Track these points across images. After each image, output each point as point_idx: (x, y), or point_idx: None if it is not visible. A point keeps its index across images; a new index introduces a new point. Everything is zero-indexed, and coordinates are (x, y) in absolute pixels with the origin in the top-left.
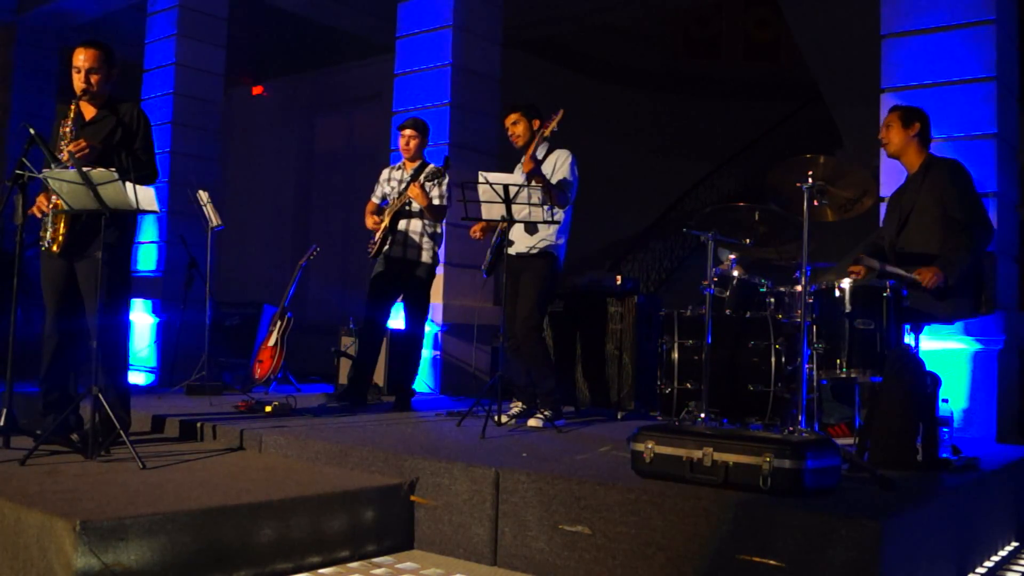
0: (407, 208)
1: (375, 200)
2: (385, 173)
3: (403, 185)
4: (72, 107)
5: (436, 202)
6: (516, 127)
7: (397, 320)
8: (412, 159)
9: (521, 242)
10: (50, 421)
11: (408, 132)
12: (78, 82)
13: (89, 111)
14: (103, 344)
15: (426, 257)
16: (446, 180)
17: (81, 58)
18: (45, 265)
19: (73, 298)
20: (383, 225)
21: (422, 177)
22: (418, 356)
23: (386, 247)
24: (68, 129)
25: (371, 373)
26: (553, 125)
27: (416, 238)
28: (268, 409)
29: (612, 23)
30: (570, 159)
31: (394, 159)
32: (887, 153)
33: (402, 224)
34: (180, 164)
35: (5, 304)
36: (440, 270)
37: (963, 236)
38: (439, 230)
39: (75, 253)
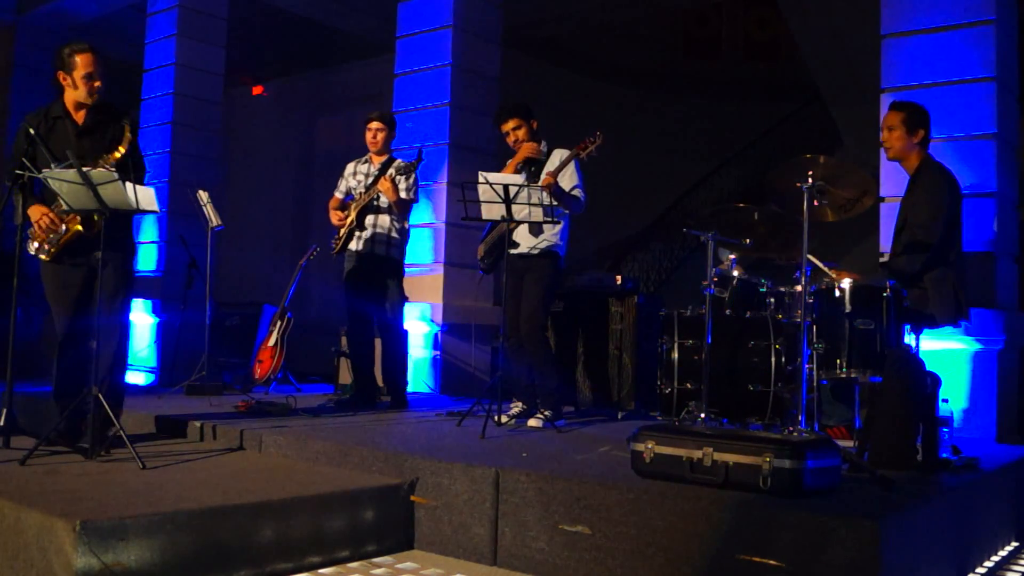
0: (375, 203)
1: (338, 195)
2: (350, 167)
3: (370, 179)
4: (80, 114)
5: (403, 195)
6: (518, 132)
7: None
8: (379, 152)
9: (526, 242)
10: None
11: (375, 125)
12: (90, 85)
13: (78, 117)
14: (114, 344)
15: (395, 253)
16: (415, 175)
17: (92, 60)
18: (54, 268)
19: (85, 300)
20: (348, 220)
21: (392, 170)
22: (404, 352)
23: (352, 243)
24: (72, 134)
25: (372, 372)
26: (591, 149)
27: (384, 233)
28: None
29: (612, 23)
30: (574, 162)
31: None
32: (887, 156)
33: (369, 219)
34: (180, 164)
35: (4, 304)
36: (440, 270)
37: (916, 252)
38: (406, 225)
39: (89, 257)
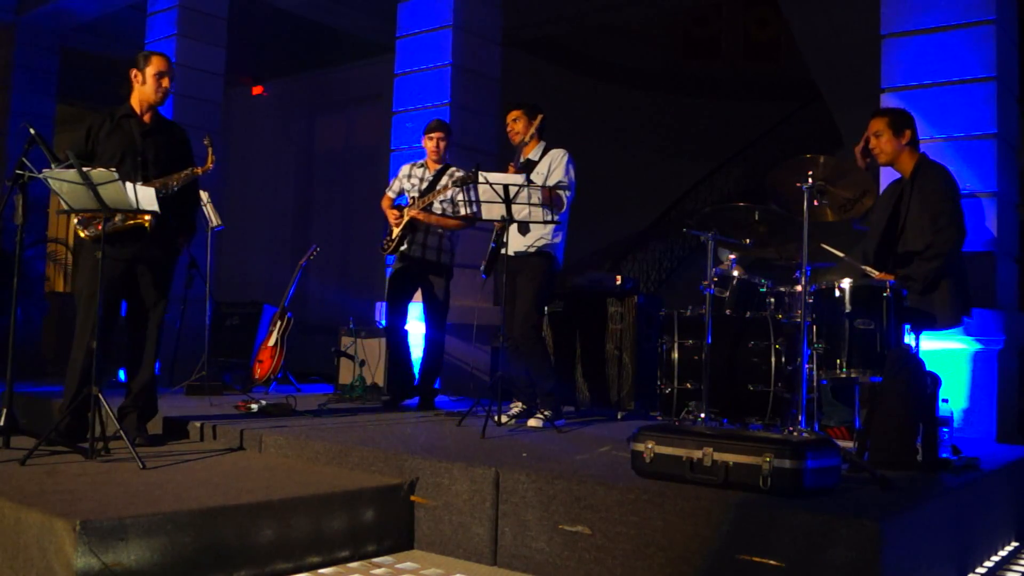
0: (428, 210)
1: (391, 195)
2: (405, 169)
3: (425, 184)
4: (147, 116)
5: (463, 211)
6: (516, 124)
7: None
8: (438, 160)
9: (517, 242)
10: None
11: (438, 134)
12: (161, 86)
13: (145, 118)
14: (158, 341)
15: (445, 259)
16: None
17: (166, 65)
18: (95, 263)
19: (119, 296)
20: (402, 223)
21: (445, 178)
22: (441, 356)
23: (403, 247)
24: (137, 132)
25: (408, 370)
26: (532, 129)
27: (435, 240)
28: (254, 406)
29: (612, 23)
30: (566, 159)
31: (394, 159)
32: (879, 162)
33: (423, 225)
34: None
35: (4, 304)
36: None
37: (931, 252)
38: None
39: (139, 255)
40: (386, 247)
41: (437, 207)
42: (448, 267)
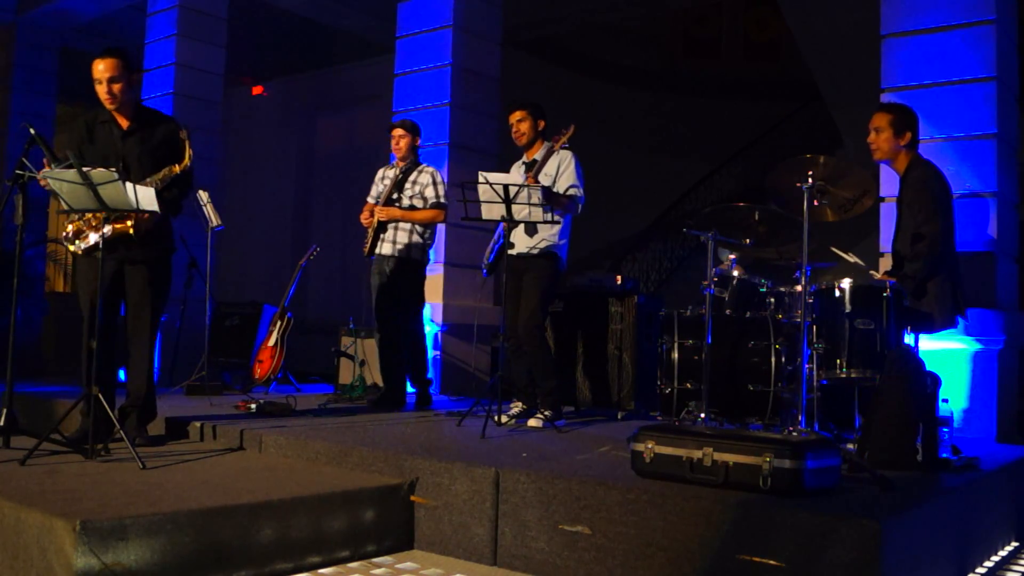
0: (397, 206)
1: (371, 200)
2: (380, 172)
3: (393, 184)
4: (123, 119)
5: (434, 200)
6: (521, 124)
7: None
8: (403, 159)
9: (522, 243)
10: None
11: (397, 132)
12: (102, 94)
13: (123, 121)
14: (151, 344)
15: (416, 254)
16: (428, 178)
17: (100, 68)
18: (92, 265)
19: (117, 297)
20: (372, 224)
21: (412, 176)
22: (423, 350)
23: (378, 247)
24: (118, 136)
25: (400, 373)
26: (564, 140)
27: (405, 235)
28: (253, 406)
29: (612, 23)
30: (574, 162)
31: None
32: (874, 157)
33: (390, 223)
34: None
35: (4, 304)
36: (440, 270)
37: (921, 246)
38: (431, 228)
39: (127, 256)
40: (365, 249)
41: (406, 202)
42: (417, 262)
